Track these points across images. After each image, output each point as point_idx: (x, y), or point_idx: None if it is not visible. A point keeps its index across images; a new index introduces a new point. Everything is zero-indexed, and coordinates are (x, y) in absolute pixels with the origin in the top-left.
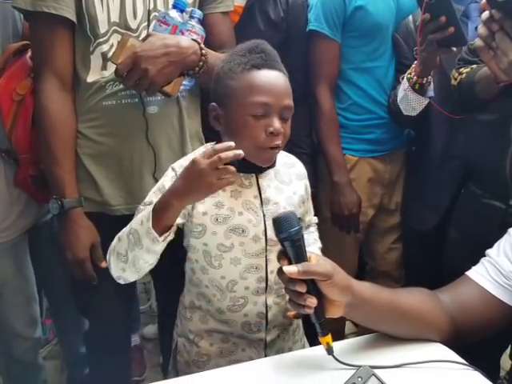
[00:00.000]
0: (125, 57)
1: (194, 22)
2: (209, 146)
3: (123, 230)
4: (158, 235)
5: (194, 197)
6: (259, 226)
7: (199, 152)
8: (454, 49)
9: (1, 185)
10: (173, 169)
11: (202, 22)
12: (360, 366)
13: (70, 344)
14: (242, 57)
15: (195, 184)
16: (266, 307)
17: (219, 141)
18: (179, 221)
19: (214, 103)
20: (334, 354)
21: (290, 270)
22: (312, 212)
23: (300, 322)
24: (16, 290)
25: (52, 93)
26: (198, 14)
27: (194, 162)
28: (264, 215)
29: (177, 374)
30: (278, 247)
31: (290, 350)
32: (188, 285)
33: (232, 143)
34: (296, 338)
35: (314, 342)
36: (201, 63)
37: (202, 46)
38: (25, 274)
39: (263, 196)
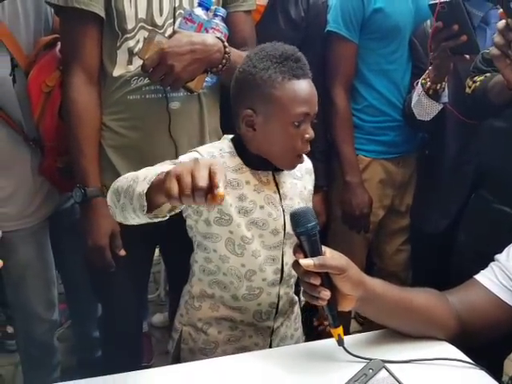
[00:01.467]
0: (152, 53)
1: (217, 20)
2: (226, 139)
3: (137, 172)
4: (148, 207)
5: None
6: (279, 219)
7: (216, 144)
8: (467, 56)
9: (26, 173)
10: (197, 152)
11: (225, 20)
12: (369, 359)
13: (83, 328)
14: (280, 65)
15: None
16: (279, 297)
17: (236, 134)
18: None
19: (249, 109)
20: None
21: (306, 262)
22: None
23: (299, 310)
24: (37, 274)
25: (79, 86)
26: (222, 12)
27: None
28: (283, 210)
29: (178, 362)
30: (293, 240)
31: (292, 336)
32: (199, 274)
33: None
34: (297, 325)
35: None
36: (224, 61)
37: (226, 44)
38: (45, 258)
39: (281, 191)
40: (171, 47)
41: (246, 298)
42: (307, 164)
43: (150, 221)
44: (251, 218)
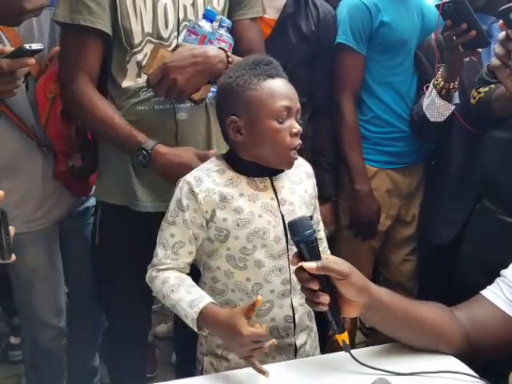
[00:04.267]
0: (155, 67)
1: (222, 31)
2: (219, 155)
3: (165, 292)
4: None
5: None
6: (278, 226)
7: (203, 166)
8: (480, 50)
9: (37, 177)
10: (186, 182)
11: (232, 28)
12: (375, 368)
13: (82, 354)
14: (253, 69)
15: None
16: (293, 309)
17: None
18: (202, 235)
19: (233, 116)
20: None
21: (310, 265)
22: (318, 210)
23: (315, 328)
24: (45, 279)
25: (89, 88)
26: (227, 22)
27: (236, 332)
28: (282, 215)
29: None
30: None
31: (314, 355)
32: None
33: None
34: (315, 343)
35: None
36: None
37: (229, 53)
38: (54, 263)
39: (279, 197)
40: (173, 61)
41: (257, 315)
42: (306, 168)
43: None
44: (252, 228)
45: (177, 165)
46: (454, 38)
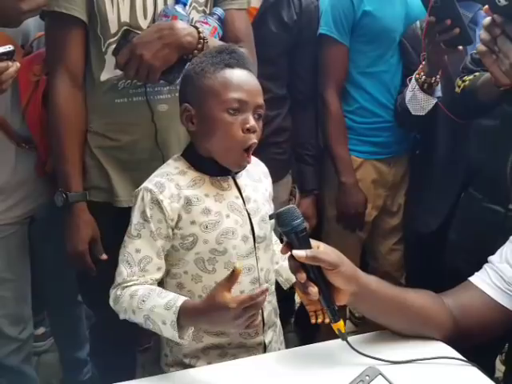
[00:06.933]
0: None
1: (211, 16)
2: (176, 157)
3: (135, 305)
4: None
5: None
6: (246, 225)
7: (163, 170)
8: (461, 47)
9: (6, 166)
10: (147, 190)
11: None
12: (370, 356)
13: (66, 349)
14: (214, 57)
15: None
16: (261, 308)
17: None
18: (167, 246)
19: (186, 104)
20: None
21: (299, 253)
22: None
23: (279, 321)
24: (4, 284)
25: (65, 91)
26: (220, 11)
27: (223, 310)
28: (248, 214)
29: None
30: (265, 244)
31: (279, 350)
32: None
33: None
34: (281, 338)
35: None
36: (199, 46)
37: (201, 30)
38: (16, 269)
39: (244, 195)
40: (139, 38)
41: None
42: (263, 168)
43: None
44: (221, 229)
45: (73, 231)
46: (437, 34)
